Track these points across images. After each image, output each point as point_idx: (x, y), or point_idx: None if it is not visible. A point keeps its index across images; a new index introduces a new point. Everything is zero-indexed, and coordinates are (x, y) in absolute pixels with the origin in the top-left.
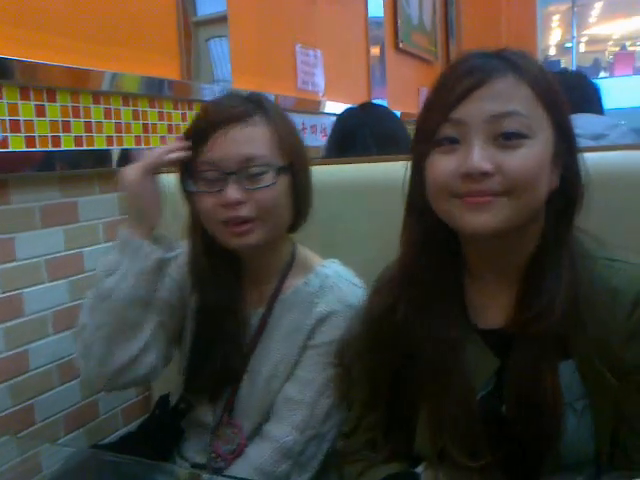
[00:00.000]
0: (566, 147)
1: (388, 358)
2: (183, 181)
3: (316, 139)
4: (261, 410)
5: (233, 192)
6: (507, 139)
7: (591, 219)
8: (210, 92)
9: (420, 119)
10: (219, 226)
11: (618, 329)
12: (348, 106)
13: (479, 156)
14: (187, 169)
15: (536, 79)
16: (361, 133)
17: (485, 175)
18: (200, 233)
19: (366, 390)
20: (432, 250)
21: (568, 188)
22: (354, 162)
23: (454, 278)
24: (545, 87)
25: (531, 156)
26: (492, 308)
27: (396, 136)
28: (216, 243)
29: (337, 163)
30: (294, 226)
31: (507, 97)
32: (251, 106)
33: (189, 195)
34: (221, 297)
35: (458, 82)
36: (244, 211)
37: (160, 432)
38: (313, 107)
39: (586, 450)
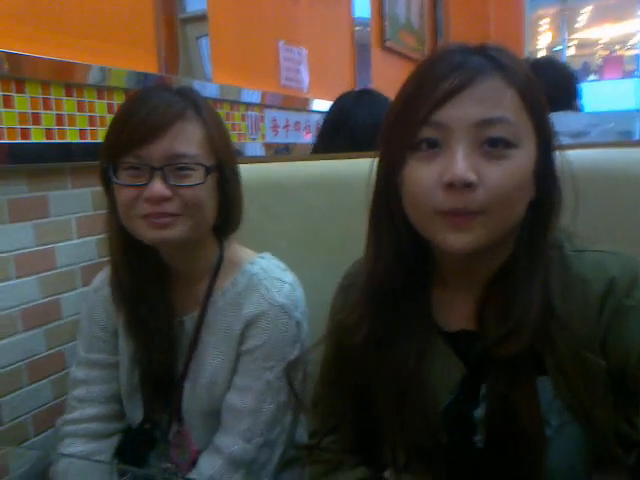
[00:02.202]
0: (545, 155)
1: (352, 373)
2: (105, 171)
3: (299, 136)
4: (207, 418)
5: (158, 187)
6: (493, 145)
7: (570, 216)
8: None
9: (393, 119)
10: (138, 220)
11: (592, 326)
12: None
13: (463, 165)
14: (110, 159)
15: (523, 82)
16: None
17: (469, 187)
18: (117, 230)
19: (331, 399)
20: (402, 261)
21: (545, 197)
22: (331, 158)
23: (421, 284)
24: (531, 91)
25: (516, 170)
26: (458, 310)
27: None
28: (135, 242)
29: (310, 159)
30: (224, 227)
31: (494, 101)
32: (183, 103)
33: (109, 188)
34: (148, 299)
35: (439, 82)
36: (168, 207)
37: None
38: (297, 104)
39: (574, 468)
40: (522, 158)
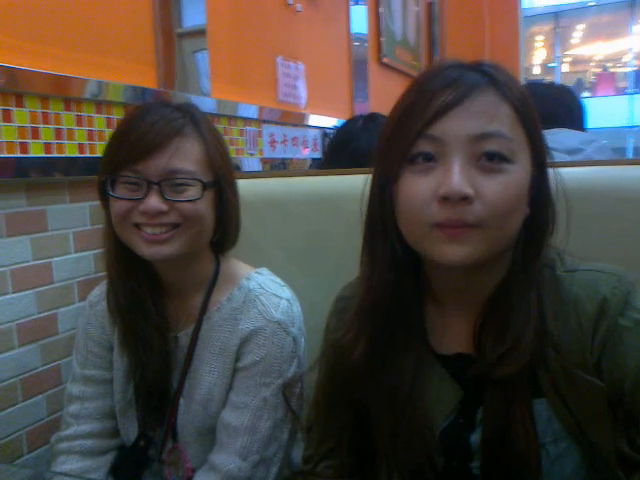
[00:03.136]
0: (539, 171)
1: (347, 395)
2: (102, 185)
3: (297, 151)
4: (202, 435)
5: (154, 201)
6: (489, 160)
7: (563, 233)
8: (188, 102)
9: (390, 132)
10: (133, 231)
11: (586, 346)
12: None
13: (460, 178)
14: (108, 172)
15: (518, 98)
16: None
17: (465, 200)
18: (114, 244)
19: (327, 421)
20: (397, 276)
21: (539, 214)
22: (329, 174)
23: (416, 304)
24: (526, 107)
25: (512, 184)
26: (453, 334)
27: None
28: (130, 256)
29: (312, 175)
30: (222, 243)
31: (489, 116)
32: (183, 119)
33: (106, 202)
34: (143, 314)
35: (435, 96)
36: (165, 219)
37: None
38: (294, 119)
39: None
40: (517, 173)
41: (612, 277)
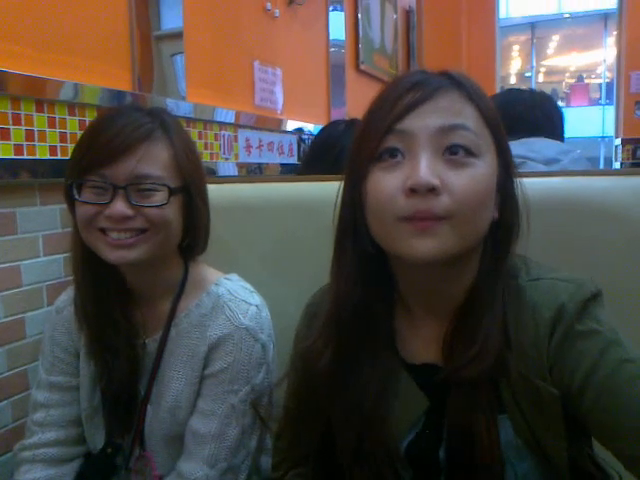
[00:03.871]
0: (506, 175)
1: (316, 404)
2: (68, 188)
3: (272, 156)
4: (170, 442)
5: (120, 206)
6: (454, 153)
7: (539, 244)
8: (163, 105)
9: (359, 134)
10: (98, 235)
11: (542, 352)
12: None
13: (427, 170)
14: (75, 176)
15: (483, 101)
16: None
17: (432, 192)
18: (80, 249)
19: (297, 431)
20: (366, 283)
21: (506, 219)
22: (303, 180)
23: (385, 313)
24: (490, 110)
25: (478, 178)
26: (422, 342)
27: None
28: (97, 260)
29: (286, 181)
30: (190, 248)
31: (454, 112)
32: (152, 124)
33: (73, 205)
34: (110, 319)
35: (402, 96)
36: (131, 224)
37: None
38: (271, 124)
39: None
40: (484, 168)
41: (572, 285)
